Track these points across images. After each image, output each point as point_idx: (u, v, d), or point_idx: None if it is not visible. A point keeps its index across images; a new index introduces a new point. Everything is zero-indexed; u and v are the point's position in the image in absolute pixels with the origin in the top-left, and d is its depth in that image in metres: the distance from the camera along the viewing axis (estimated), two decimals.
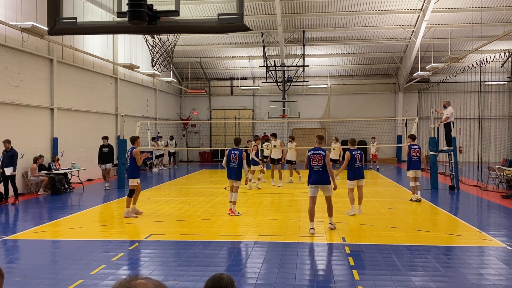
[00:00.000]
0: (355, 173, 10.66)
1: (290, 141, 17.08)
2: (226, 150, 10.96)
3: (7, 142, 12.22)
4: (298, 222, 9.62)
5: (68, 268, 6.51)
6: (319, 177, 8.66)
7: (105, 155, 15.48)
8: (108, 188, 15.41)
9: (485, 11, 21.33)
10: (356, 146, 11.27)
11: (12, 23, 12.71)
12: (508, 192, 13.71)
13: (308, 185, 8.88)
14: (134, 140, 10.75)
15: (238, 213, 10.58)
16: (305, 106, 28.94)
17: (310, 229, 8.65)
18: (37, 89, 15.19)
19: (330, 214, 8.96)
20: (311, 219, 8.73)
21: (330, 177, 8.74)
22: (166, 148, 24.65)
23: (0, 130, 13.22)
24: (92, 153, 15.76)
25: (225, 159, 10.79)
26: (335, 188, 8.87)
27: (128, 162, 10.68)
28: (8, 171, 12.15)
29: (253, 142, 17.56)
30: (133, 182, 10.49)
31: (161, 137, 24.70)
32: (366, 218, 10.11)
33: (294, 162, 16.97)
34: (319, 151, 8.73)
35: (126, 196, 10.61)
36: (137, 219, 10.15)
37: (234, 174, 10.62)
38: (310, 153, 8.80)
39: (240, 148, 10.79)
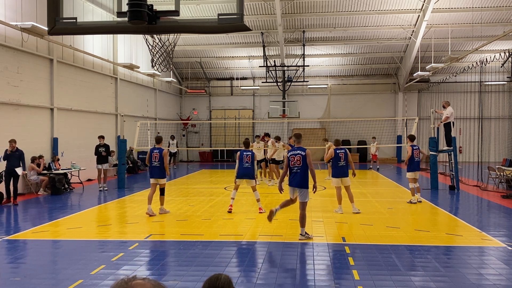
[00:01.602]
0: (338, 171, 10.92)
1: (276, 141, 16.79)
2: (237, 153, 11.06)
3: (13, 142, 12.27)
4: (298, 222, 9.59)
5: (68, 268, 6.51)
6: (296, 179, 8.11)
7: (102, 156, 15.47)
8: (106, 189, 15.34)
9: (485, 11, 21.32)
10: (351, 146, 11.49)
11: (12, 23, 12.71)
12: (508, 192, 13.70)
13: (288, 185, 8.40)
14: (160, 140, 11.23)
15: (264, 210, 10.71)
16: (305, 106, 28.93)
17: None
18: (37, 89, 15.19)
19: (302, 224, 8.16)
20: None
21: (312, 178, 8.11)
22: (167, 148, 24.58)
23: (0, 130, 13.22)
24: (92, 153, 15.76)
25: (238, 162, 10.88)
26: (314, 191, 8.32)
27: (158, 162, 10.68)
28: (19, 171, 12.29)
29: (255, 143, 17.48)
30: (164, 181, 10.90)
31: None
32: (366, 218, 10.11)
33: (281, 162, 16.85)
34: (298, 151, 8.15)
35: (160, 195, 10.84)
36: (137, 219, 10.15)
37: (248, 173, 10.84)
38: (289, 154, 8.28)
39: (251, 150, 11.20)
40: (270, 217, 8.31)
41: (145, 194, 14.04)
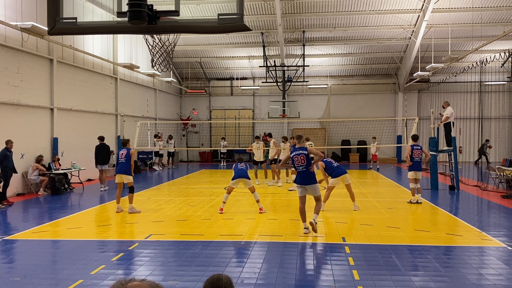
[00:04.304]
0: (336, 171, 11.18)
1: (283, 142, 16.62)
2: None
3: (11, 142, 12.31)
4: (298, 222, 9.59)
5: (68, 268, 6.51)
6: (304, 177, 8.53)
7: (104, 156, 15.47)
8: (107, 189, 15.32)
9: (485, 11, 21.33)
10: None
11: (12, 23, 12.71)
12: (508, 192, 13.70)
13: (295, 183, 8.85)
14: (127, 142, 11.65)
15: (264, 210, 10.85)
16: (305, 106, 28.94)
17: (304, 228, 8.64)
18: (37, 89, 15.18)
19: (316, 211, 8.66)
20: (303, 219, 8.64)
21: (317, 160, 8.75)
22: (164, 148, 24.56)
23: (0, 130, 13.22)
24: (92, 153, 15.75)
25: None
26: (312, 164, 8.70)
27: (124, 159, 11.08)
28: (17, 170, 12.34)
29: (255, 143, 17.38)
30: (130, 179, 11.15)
31: (160, 137, 24.60)
32: (366, 218, 10.11)
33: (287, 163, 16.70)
34: (301, 151, 8.60)
35: (129, 193, 11.06)
36: (137, 219, 10.15)
37: (244, 174, 10.86)
38: (292, 154, 8.73)
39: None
40: (314, 229, 8.45)
41: (145, 194, 14.10)
